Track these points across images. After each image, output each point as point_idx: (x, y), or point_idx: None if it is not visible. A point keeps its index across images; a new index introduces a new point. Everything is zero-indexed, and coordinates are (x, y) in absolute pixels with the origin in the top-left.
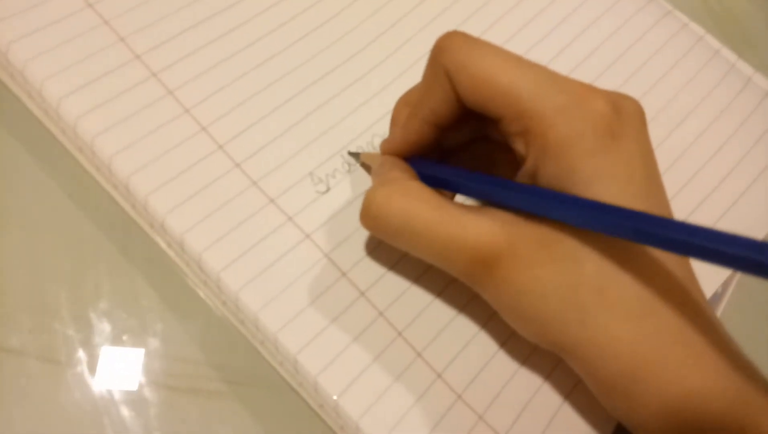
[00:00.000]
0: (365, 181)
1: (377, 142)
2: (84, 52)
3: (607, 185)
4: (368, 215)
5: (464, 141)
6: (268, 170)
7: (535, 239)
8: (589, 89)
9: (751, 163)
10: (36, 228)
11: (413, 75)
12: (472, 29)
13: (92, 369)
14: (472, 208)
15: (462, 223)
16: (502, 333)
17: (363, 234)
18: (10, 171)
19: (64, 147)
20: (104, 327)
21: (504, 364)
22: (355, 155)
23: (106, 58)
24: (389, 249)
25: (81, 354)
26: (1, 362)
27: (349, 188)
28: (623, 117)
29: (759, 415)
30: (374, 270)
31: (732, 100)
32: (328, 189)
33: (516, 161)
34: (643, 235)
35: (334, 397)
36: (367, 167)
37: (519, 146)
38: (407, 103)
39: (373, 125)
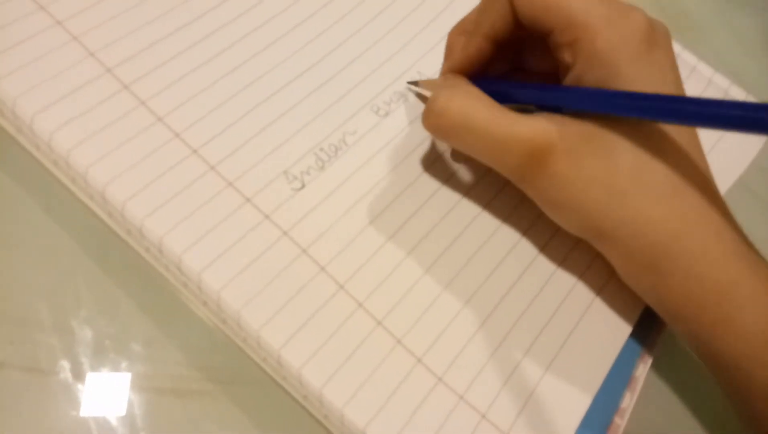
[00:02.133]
0: (338, 177)
1: (349, 139)
2: (55, 68)
3: (646, 86)
4: (431, 113)
5: (504, 71)
6: (243, 170)
7: (579, 134)
8: (630, 6)
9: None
10: (14, 242)
11: (382, 74)
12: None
13: (76, 376)
14: (524, 112)
15: (515, 121)
16: (480, 314)
17: (340, 228)
18: None
19: (39, 162)
20: (86, 335)
21: (483, 344)
22: (414, 83)
23: (77, 73)
24: (367, 241)
25: (64, 362)
26: None
27: (323, 185)
28: (657, 32)
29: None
30: (352, 263)
31: None
32: (302, 186)
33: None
34: (672, 112)
35: (318, 388)
36: (423, 98)
37: (566, 56)
38: (462, 32)
39: (344, 123)
